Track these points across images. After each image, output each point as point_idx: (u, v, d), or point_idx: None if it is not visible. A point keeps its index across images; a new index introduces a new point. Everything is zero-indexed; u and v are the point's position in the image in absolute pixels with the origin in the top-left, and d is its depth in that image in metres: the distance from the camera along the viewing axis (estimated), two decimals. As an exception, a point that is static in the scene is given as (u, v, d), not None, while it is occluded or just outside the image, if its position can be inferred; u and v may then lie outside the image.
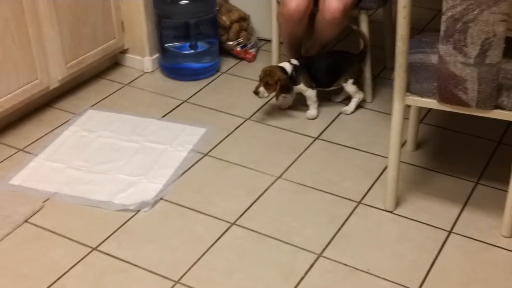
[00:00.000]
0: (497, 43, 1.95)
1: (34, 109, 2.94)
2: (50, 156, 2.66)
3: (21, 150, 2.71)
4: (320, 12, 2.80)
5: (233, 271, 2.13)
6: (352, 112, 2.93)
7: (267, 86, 2.81)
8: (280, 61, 3.12)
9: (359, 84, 2.93)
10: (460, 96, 2.08)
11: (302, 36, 2.97)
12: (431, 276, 2.10)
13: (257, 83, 2.84)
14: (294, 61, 2.88)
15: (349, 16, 2.84)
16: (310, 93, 2.90)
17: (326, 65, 2.91)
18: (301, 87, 2.89)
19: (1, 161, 2.64)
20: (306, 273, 2.12)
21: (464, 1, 1.92)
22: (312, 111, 2.92)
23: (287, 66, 2.85)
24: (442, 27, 1.99)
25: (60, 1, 2.83)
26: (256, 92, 2.82)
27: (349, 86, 2.90)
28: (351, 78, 2.89)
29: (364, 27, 2.90)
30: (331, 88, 2.96)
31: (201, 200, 2.44)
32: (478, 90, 2.04)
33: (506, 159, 2.50)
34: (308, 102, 2.92)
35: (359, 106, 2.98)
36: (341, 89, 2.97)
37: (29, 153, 2.68)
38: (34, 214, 2.35)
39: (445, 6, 1.96)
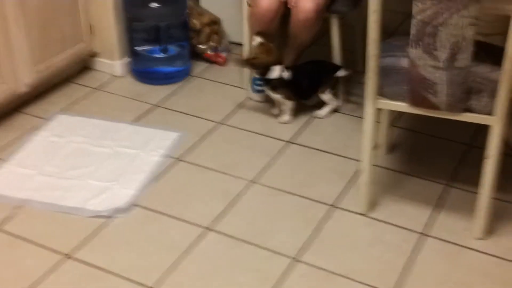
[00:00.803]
0: (466, 47, 1.98)
1: (2, 114, 2.89)
2: (20, 162, 2.61)
3: (-10, 156, 2.66)
4: (293, 14, 2.81)
5: (208, 276, 2.12)
6: (324, 117, 2.95)
7: (262, 47, 2.79)
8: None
9: (335, 92, 2.95)
10: (430, 99, 2.10)
11: (274, 35, 2.97)
12: (406, 278, 2.12)
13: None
14: (285, 72, 2.85)
15: (322, 18, 2.85)
16: (288, 105, 2.89)
17: (307, 77, 2.90)
18: (279, 98, 2.87)
19: (-31, 168, 2.59)
20: (282, 277, 2.12)
21: (434, 5, 1.94)
22: (286, 116, 2.91)
23: (276, 70, 2.82)
24: (412, 31, 2.01)
25: (28, 4, 2.79)
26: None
27: (326, 96, 2.92)
28: (329, 88, 2.91)
29: (335, 30, 2.92)
30: (308, 101, 2.95)
31: (175, 205, 2.42)
32: (448, 93, 2.07)
33: (476, 161, 2.53)
34: (283, 108, 2.90)
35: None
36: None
37: (-2, 159, 2.64)
38: (5, 222, 2.31)
39: (415, 9, 1.98)
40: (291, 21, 2.85)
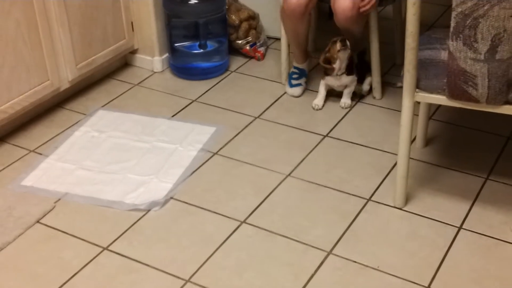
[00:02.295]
0: (507, 39, 1.94)
1: (45, 110, 2.97)
2: (61, 157, 2.68)
3: (32, 151, 2.73)
4: (334, 15, 2.80)
5: (243, 269, 2.14)
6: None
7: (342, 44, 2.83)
8: (290, 60, 3.14)
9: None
10: (470, 92, 2.07)
11: (305, 32, 2.96)
12: (442, 273, 2.09)
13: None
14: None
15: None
16: (353, 86, 2.98)
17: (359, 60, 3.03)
18: (352, 79, 2.96)
19: (13, 162, 2.66)
20: (316, 271, 2.12)
21: (475, -4, 1.91)
22: (349, 100, 2.98)
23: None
24: (452, 23, 1.99)
25: (70, 2, 2.85)
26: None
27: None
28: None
29: (373, 23, 2.89)
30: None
31: (211, 199, 2.44)
32: (488, 86, 2.03)
33: (516, 154, 2.50)
34: (347, 91, 2.97)
35: (368, 103, 2.97)
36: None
37: (40, 154, 2.70)
38: (45, 215, 2.37)
39: (455, 2, 1.95)
40: (335, 18, 2.83)
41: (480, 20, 1.94)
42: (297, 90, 3.07)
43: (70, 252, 2.22)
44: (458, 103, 2.14)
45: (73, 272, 2.13)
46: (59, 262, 2.18)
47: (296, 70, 3.11)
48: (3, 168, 2.62)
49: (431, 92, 2.17)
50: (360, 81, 3.01)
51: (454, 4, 1.96)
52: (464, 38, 1.98)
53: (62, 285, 2.08)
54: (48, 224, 2.34)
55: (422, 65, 2.16)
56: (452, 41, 2.01)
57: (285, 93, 3.09)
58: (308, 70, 3.15)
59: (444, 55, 2.12)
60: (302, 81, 3.10)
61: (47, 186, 2.50)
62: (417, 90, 2.18)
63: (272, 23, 3.45)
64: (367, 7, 2.74)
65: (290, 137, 2.79)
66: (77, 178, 2.55)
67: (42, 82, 2.81)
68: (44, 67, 2.80)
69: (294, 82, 3.08)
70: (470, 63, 2.01)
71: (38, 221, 2.34)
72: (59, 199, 2.44)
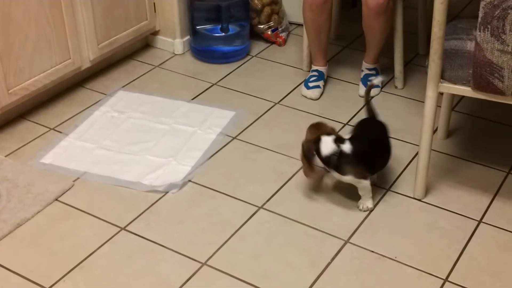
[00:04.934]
0: (536, 31, 1.92)
1: (66, 89, 2.97)
2: (80, 136, 2.68)
3: (53, 129, 2.73)
4: (364, 5, 2.76)
5: (260, 254, 2.13)
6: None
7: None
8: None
9: None
10: (496, 84, 2.04)
11: (326, 25, 2.88)
12: (460, 266, 2.08)
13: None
14: (343, 145, 2.19)
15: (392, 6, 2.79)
16: (365, 185, 2.26)
17: (374, 142, 2.29)
18: (351, 179, 2.23)
19: (33, 140, 2.67)
20: (333, 259, 2.11)
21: (504, -13, 1.88)
22: (369, 202, 2.29)
23: (328, 142, 2.19)
24: (480, 13, 1.96)
25: (93, -18, 2.85)
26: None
27: None
28: None
29: (399, 12, 2.86)
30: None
31: (229, 183, 2.44)
32: (515, 78, 2.01)
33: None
34: (361, 193, 2.28)
35: (390, 93, 2.95)
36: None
37: (60, 132, 2.71)
38: (64, 193, 2.38)
39: (484, -9, 1.92)
40: (363, 12, 2.79)
41: (509, 11, 1.91)
42: (314, 93, 2.92)
43: (88, 231, 2.22)
44: (483, 95, 2.12)
45: (90, 250, 2.14)
46: (77, 240, 2.19)
47: (315, 73, 2.99)
48: (24, 145, 2.63)
49: (456, 83, 2.15)
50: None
51: (483, -6, 1.93)
52: (492, 29, 1.96)
53: (79, 263, 2.09)
54: (66, 202, 2.34)
55: (447, 55, 2.13)
56: (480, 31, 1.98)
57: (304, 78, 3.06)
58: (327, 75, 3.03)
59: (470, 45, 2.10)
60: (320, 83, 2.96)
61: (67, 164, 2.51)
62: (441, 80, 2.16)
63: (294, 9, 3.42)
64: None
65: (309, 124, 2.75)
66: (96, 158, 2.55)
67: (63, 61, 2.81)
68: (66, 46, 2.80)
69: (311, 84, 2.95)
70: (497, 54, 1.99)
71: (56, 199, 2.35)
72: (78, 178, 2.45)
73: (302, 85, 2.99)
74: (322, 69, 3.00)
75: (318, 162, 2.23)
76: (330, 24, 2.95)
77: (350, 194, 2.37)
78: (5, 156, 2.56)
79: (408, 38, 3.03)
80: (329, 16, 2.89)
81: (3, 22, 2.51)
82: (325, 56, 3.00)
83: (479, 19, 1.97)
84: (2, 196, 2.34)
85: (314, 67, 3.01)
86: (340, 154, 2.18)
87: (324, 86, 2.99)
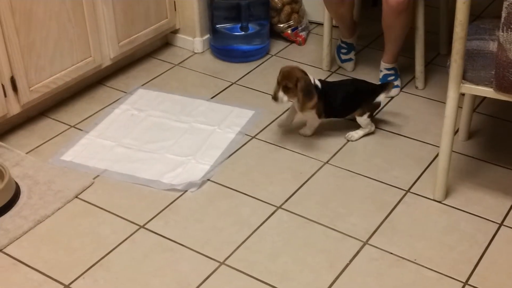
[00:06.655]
0: (559, 32, 1.89)
1: (86, 87, 2.99)
2: (100, 133, 2.69)
3: (73, 126, 2.75)
4: (384, 3, 2.74)
5: (278, 255, 2.13)
6: (357, 140, 2.66)
7: (286, 89, 2.48)
8: (332, 45, 3.10)
9: (373, 117, 2.67)
10: (519, 86, 2.02)
11: (349, 13, 2.93)
12: (480, 269, 2.06)
13: (281, 83, 2.49)
14: (317, 82, 2.55)
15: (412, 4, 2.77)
16: (315, 122, 2.63)
17: (344, 95, 2.60)
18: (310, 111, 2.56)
19: (54, 137, 2.68)
20: (351, 260, 2.10)
21: (527, -13, 1.86)
22: (308, 131, 2.66)
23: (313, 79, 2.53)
24: (503, 14, 1.93)
25: (114, -19, 2.86)
26: (275, 98, 2.49)
27: (363, 119, 2.63)
28: (367, 112, 2.62)
29: (420, 11, 2.84)
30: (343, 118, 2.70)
31: (248, 182, 2.44)
32: (538, 80, 1.98)
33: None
34: (308, 125, 2.66)
35: (410, 93, 2.93)
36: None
37: (81, 129, 2.72)
38: (84, 190, 2.39)
39: (507, -9, 1.90)
40: (383, 10, 2.77)
41: (533, 11, 1.89)
42: (349, 65, 3.10)
43: (107, 228, 2.23)
44: (505, 96, 2.09)
45: (110, 248, 2.15)
46: (96, 237, 2.20)
47: (344, 45, 3.11)
48: (44, 142, 2.65)
49: (478, 84, 2.13)
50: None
51: (506, -6, 1.91)
52: (516, 29, 1.93)
53: (98, 261, 2.10)
54: (86, 199, 2.36)
55: (469, 56, 2.11)
56: (503, 32, 1.96)
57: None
58: (356, 44, 3.14)
59: (493, 46, 2.07)
60: (351, 55, 3.11)
61: (87, 162, 2.52)
62: (463, 81, 2.14)
63: (314, 8, 3.41)
64: None
65: (329, 125, 2.76)
66: (116, 156, 2.56)
67: (84, 58, 2.83)
68: (87, 44, 2.81)
69: (344, 57, 3.10)
70: (521, 55, 1.96)
71: (76, 196, 2.36)
72: (98, 176, 2.46)
73: (335, 54, 3.13)
74: (350, 40, 3.10)
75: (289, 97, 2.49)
76: (353, 8, 2.97)
77: (369, 195, 2.36)
78: (26, 153, 2.58)
79: (429, 38, 3.01)
80: (351, 6, 2.92)
81: (24, 19, 2.53)
82: (351, 29, 3.07)
83: (502, 19, 1.94)
84: (23, 193, 2.36)
85: (342, 39, 3.12)
86: (316, 88, 2.51)
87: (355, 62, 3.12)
